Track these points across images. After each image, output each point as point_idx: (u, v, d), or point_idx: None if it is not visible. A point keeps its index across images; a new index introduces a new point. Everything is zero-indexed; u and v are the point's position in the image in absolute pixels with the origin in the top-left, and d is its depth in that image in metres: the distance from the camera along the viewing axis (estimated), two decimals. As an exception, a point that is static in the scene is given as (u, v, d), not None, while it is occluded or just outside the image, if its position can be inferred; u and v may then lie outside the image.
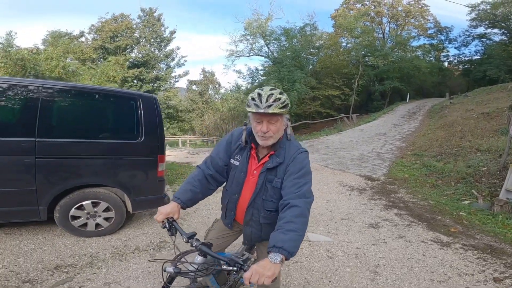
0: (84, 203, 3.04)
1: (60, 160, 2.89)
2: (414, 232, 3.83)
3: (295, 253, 1.16)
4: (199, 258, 1.28)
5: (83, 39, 27.80)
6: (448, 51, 35.51)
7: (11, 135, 2.73)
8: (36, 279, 2.41)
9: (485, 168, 6.29)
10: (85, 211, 3.08)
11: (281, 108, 1.34)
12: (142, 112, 3.23)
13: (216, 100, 30.42)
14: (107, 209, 3.19)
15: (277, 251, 1.12)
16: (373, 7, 32.43)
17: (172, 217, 1.40)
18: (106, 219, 3.24)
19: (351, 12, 31.67)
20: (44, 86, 2.85)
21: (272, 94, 1.35)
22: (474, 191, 5.53)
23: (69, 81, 12.60)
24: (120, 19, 28.40)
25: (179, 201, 1.47)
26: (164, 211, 1.41)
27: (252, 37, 25.14)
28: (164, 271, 1.19)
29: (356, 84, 25.42)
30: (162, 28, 30.25)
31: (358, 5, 33.27)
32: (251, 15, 27.85)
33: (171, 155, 10.31)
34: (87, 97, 3.23)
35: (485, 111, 11.51)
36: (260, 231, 1.55)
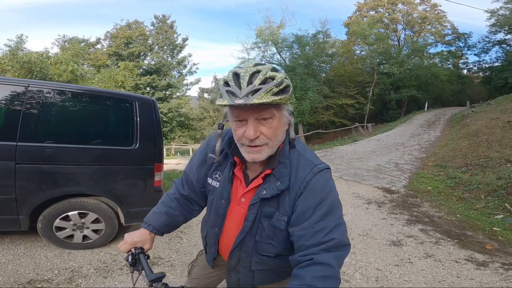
0: (70, 213, 2.76)
1: (43, 167, 2.62)
2: (444, 250, 3.35)
3: None
4: None
5: (99, 46, 28.52)
6: (467, 58, 34.35)
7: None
8: (2, 295, 2.13)
9: (518, 180, 5.67)
10: (71, 222, 2.80)
11: (277, 93, 0.80)
12: (138, 116, 2.93)
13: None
14: (96, 221, 2.88)
15: None
16: (387, 14, 31.88)
17: (140, 248, 1.07)
18: (96, 231, 2.94)
19: (365, 19, 31.18)
20: (28, 86, 2.61)
21: (259, 71, 0.82)
22: (508, 204, 4.96)
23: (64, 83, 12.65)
24: (134, 26, 28.99)
25: (150, 228, 1.11)
26: (129, 239, 1.08)
27: (264, 44, 25.03)
28: None
29: (371, 93, 24.77)
30: (175, 35, 30.68)
31: (372, 12, 32.81)
32: (263, 23, 27.90)
33: (181, 163, 10.11)
34: (77, 98, 2.97)
35: (511, 120, 10.77)
36: (252, 278, 1.06)
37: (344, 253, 0.86)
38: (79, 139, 2.83)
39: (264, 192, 0.92)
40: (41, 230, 2.74)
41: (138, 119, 2.92)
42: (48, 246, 2.91)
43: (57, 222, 2.74)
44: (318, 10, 63.06)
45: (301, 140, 1.03)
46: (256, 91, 0.78)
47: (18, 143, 2.48)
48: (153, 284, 0.93)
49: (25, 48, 14.73)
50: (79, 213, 2.79)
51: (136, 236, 1.09)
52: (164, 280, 0.95)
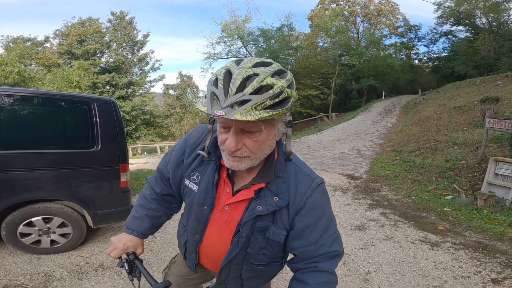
0: (33, 219, 2.65)
1: (0, 174, 2.46)
2: (402, 232, 3.67)
3: None
4: None
5: (48, 44, 26.38)
6: (417, 49, 36.75)
7: None
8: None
9: (464, 161, 6.33)
10: (36, 228, 2.69)
11: (270, 107, 0.67)
12: (98, 117, 2.83)
13: (195, 104, 29.86)
14: (62, 225, 2.80)
15: None
16: (347, 6, 33.09)
17: (133, 253, 1.01)
18: (63, 235, 2.85)
19: (327, 12, 32.12)
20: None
21: (256, 74, 0.67)
22: (456, 185, 5.52)
23: (26, 87, 11.74)
24: (88, 23, 27.16)
25: (135, 233, 1.06)
26: (120, 244, 1.00)
27: (229, 39, 24.93)
28: None
29: (334, 83, 25.72)
30: (135, 32, 29.21)
31: (333, 5, 33.81)
32: (228, 17, 27.62)
33: (148, 162, 9.80)
34: (31, 102, 2.79)
35: (457, 105, 11.83)
36: (241, 285, 1.02)
37: (340, 259, 0.94)
38: (34, 144, 2.68)
39: (260, 208, 0.84)
40: (5, 237, 2.63)
41: (98, 120, 2.84)
42: (15, 253, 2.80)
43: (21, 228, 2.63)
44: (283, 3, 63.70)
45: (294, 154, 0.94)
46: (243, 102, 0.65)
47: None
48: None
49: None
50: (43, 218, 2.69)
51: (127, 241, 1.02)
52: None
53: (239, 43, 25.45)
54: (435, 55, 35.13)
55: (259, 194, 0.86)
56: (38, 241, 2.77)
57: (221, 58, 26.35)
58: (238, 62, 0.72)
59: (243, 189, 0.87)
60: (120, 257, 1.00)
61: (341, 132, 13.64)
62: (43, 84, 13.25)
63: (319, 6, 34.56)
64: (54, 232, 2.80)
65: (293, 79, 0.76)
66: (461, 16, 28.06)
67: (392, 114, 17.57)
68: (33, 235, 2.72)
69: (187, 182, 0.97)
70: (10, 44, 22.08)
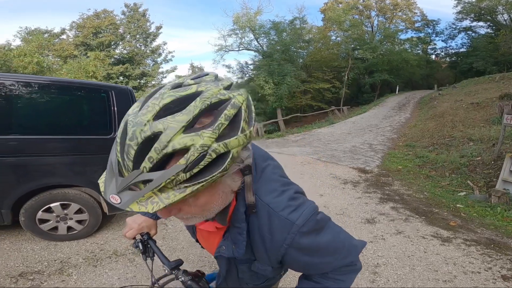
0: (52, 205, 2.73)
1: (22, 159, 2.55)
2: (413, 227, 3.65)
3: None
4: None
5: (64, 36, 26.98)
6: (435, 44, 36.10)
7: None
8: (-3, 288, 2.13)
9: (479, 158, 6.18)
10: (54, 214, 2.78)
11: (191, 179, 0.48)
12: (115, 105, 2.91)
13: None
14: (79, 211, 2.88)
15: None
16: (361, 0, 32.35)
17: (147, 233, 1.01)
18: (79, 221, 2.93)
19: (340, 5, 31.47)
20: (1, 79, 2.51)
21: (156, 136, 0.46)
22: (470, 181, 5.41)
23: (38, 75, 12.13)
24: (102, 15, 27.62)
25: (149, 215, 1.04)
26: (135, 224, 1.00)
27: (241, 31, 24.73)
28: None
29: (346, 77, 25.36)
30: (148, 24, 29.59)
31: (347, -2, 33.16)
32: (240, 9, 27.43)
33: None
34: (52, 90, 2.87)
35: (474, 102, 11.51)
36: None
37: (355, 273, 0.84)
38: (57, 130, 2.76)
39: (224, 249, 0.77)
40: (24, 223, 2.70)
41: (115, 108, 2.91)
42: (33, 239, 2.88)
43: (40, 214, 2.71)
44: (295, -6, 62.58)
45: (268, 170, 0.76)
46: (141, 183, 0.47)
47: (-7, 136, 2.41)
48: (173, 272, 0.90)
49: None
50: (61, 205, 2.77)
51: (141, 221, 1.02)
52: (181, 267, 0.93)
53: (251, 36, 25.26)
54: (453, 51, 34.38)
55: (225, 235, 0.78)
56: (55, 228, 2.85)
57: (232, 50, 26.27)
58: (144, 102, 0.51)
59: (208, 220, 0.77)
60: (134, 238, 1.01)
61: (353, 126, 13.48)
62: (60, 74, 13.64)
63: (333, -1, 33.96)
64: (71, 219, 2.88)
65: (243, 107, 0.53)
66: (482, 12, 27.10)
67: (406, 109, 17.25)
68: (51, 221, 2.80)
69: None
70: (28, 36, 22.67)
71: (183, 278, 0.87)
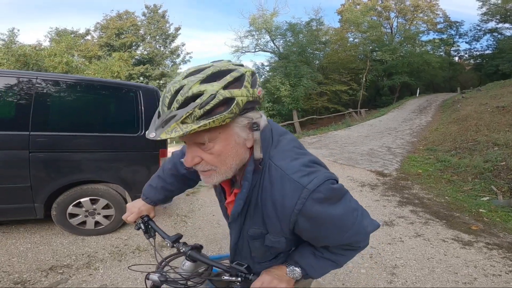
0: (82, 200, 2.89)
1: (56, 155, 2.73)
2: (433, 230, 3.59)
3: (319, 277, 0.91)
4: (187, 264, 1.01)
5: (89, 37, 28.10)
6: (458, 45, 34.72)
7: (4, 129, 2.58)
8: (29, 280, 2.27)
9: (504, 163, 5.96)
10: (84, 209, 2.93)
11: (203, 116, 0.63)
12: (142, 104, 3.05)
13: None
14: (106, 206, 3.03)
15: (300, 271, 0.88)
16: (380, 1, 31.79)
17: (147, 215, 1.12)
18: (106, 216, 3.09)
19: (358, 7, 31.06)
20: (38, 78, 2.69)
21: (182, 87, 0.64)
22: (493, 187, 5.24)
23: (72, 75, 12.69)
24: (124, 17, 28.59)
25: (148, 201, 1.14)
26: (135, 209, 1.11)
27: (257, 32, 24.89)
28: (147, 279, 0.94)
29: (364, 79, 24.93)
30: (167, 25, 30.36)
31: (365, 0, 32.65)
32: (256, 10, 27.59)
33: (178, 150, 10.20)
34: (85, 89, 3.06)
35: (500, 105, 11.06)
36: (252, 264, 0.98)
37: (355, 252, 0.90)
38: (88, 128, 2.93)
39: (237, 206, 0.83)
40: (56, 217, 2.86)
41: (142, 107, 3.05)
42: (62, 234, 3.03)
43: (70, 209, 2.86)
44: (311, -4, 62.22)
45: (284, 142, 0.81)
46: (170, 119, 0.64)
47: (31, 133, 2.59)
48: (175, 245, 1.00)
49: (18, 41, 14.58)
50: (90, 199, 2.92)
51: (140, 205, 1.12)
52: (181, 240, 1.02)
53: (267, 37, 25.38)
54: (478, 53, 33.05)
55: (237, 197, 0.83)
56: (84, 222, 2.99)
57: (249, 51, 26.48)
58: (180, 75, 0.69)
59: (233, 191, 0.86)
60: (135, 221, 1.11)
61: (370, 129, 13.27)
62: (88, 74, 14.26)
63: (350, 0, 33.50)
64: (99, 214, 3.02)
65: (247, 75, 0.68)
66: (508, 13, 26.04)
67: (427, 112, 16.77)
68: (80, 216, 2.95)
69: None
70: (56, 36, 23.79)
71: (184, 249, 0.96)
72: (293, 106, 20.76)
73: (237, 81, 0.67)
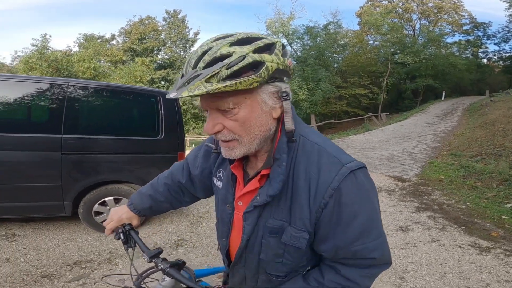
0: (106, 199, 3.10)
1: (85, 156, 2.96)
2: (450, 236, 3.52)
3: None
4: (167, 279, 0.94)
5: (114, 42, 29.47)
6: (486, 47, 33.40)
7: (39, 132, 2.83)
8: (55, 274, 2.46)
9: (532, 169, 5.69)
10: (108, 207, 3.13)
11: (228, 77, 0.58)
12: (162, 109, 3.24)
13: None
14: (128, 206, 3.22)
15: None
16: (401, 3, 31.09)
17: (129, 224, 1.03)
18: (127, 216, 3.27)
19: (377, 9, 30.54)
20: (69, 84, 2.94)
21: (209, 49, 0.60)
22: (519, 193, 5.02)
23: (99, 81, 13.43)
24: (146, 22, 29.82)
25: (131, 207, 1.04)
26: (116, 216, 1.02)
27: (274, 36, 25.00)
28: None
29: (385, 83, 24.42)
30: (187, 30, 31.43)
31: (385, 2, 32.09)
32: (273, 14, 27.82)
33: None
34: (110, 94, 3.30)
35: (530, 109, 10.53)
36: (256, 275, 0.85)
37: (378, 271, 0.74)
38: (114, 131, 3.14)
39: (258, 197, 0.71)
40: (82, 215, 3.08)
41: (162, 112, 3.24)
42: (87, 231, 3.24)
43: (96, 207, 3.08)
44: (328, 0, 61.87)
45: (312, 131, 0.76)
46: (194, 78, 0.59)
47: (63, 135, 2.82)
48: (153, 260, 0.90)
49: (50, 47, 15.44)
50: (114, 199, 3.13)
51: (122, 213, 1.03)
52: (161, 256, 0.92)
53: (284, 41, 25.47)
54: (508, 54, 31.48)
55: (265, 182, 0.71)
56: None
57: (267, 56, 26.72)
58: (210, 40, 0.65)
59: (252, 179, 0.75)
60: (116, 230, 1.02)
61: (391, 133, 12.98)
62: (113, 79, 14.90)
63: (369, 3, 32.98)
64: (122, 212, 3.25)
65: (278, 44, 0.65)
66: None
67: (453, 116, 16.17)
68: (104, 214, 3.14)
69: (214, 180, 0.90)
70: (84, 41, 25.10)
71: (162, 266, 0.86)
72: (311, 110, 20.69)
73: (268, 48, 0.63)
